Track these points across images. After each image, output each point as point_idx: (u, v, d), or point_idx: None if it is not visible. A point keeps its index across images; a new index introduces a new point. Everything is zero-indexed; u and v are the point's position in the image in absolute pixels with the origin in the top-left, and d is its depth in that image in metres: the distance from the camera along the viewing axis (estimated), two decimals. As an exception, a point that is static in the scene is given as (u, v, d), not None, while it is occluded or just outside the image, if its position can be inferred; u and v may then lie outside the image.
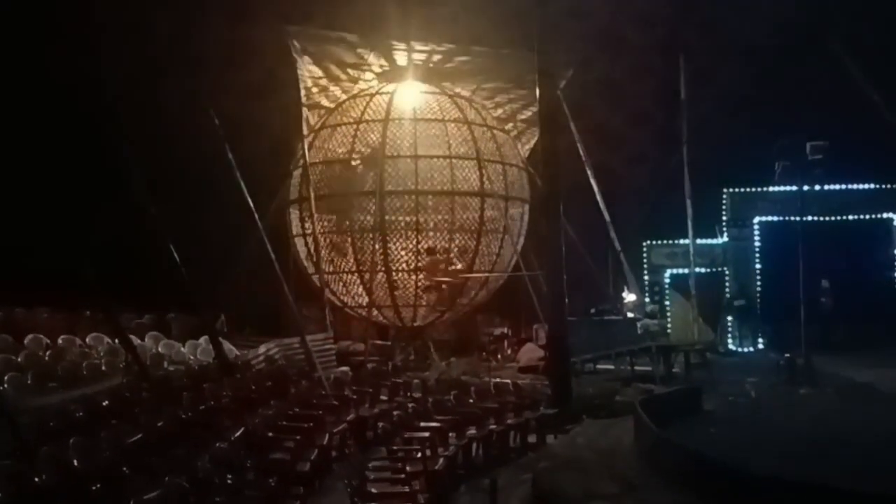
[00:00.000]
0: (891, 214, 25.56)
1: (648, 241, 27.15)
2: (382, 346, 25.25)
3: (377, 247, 24.16)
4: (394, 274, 24.47)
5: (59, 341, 20.00)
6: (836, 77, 23.60)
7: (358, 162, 24.54)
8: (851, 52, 23.68)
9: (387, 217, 24.31)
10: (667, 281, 26.57)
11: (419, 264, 24.33)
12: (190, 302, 20.10)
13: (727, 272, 26.17)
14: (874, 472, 10.31)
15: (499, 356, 24.36)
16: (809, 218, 21.56)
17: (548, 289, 19.18)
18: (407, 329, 25.65)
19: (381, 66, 25.23)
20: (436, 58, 24.82)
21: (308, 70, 24.57)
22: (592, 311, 23.78)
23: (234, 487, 10.42)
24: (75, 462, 10.52)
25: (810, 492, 8.87)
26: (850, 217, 25.26)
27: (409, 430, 13.85)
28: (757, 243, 25.68)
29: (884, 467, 10.58)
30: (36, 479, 9.84)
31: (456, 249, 24.82)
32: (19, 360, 18.29)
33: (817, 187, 23.79)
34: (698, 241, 25.60)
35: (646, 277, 26.97)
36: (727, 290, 25.98)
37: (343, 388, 17.92)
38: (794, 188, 22.11)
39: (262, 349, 21.55)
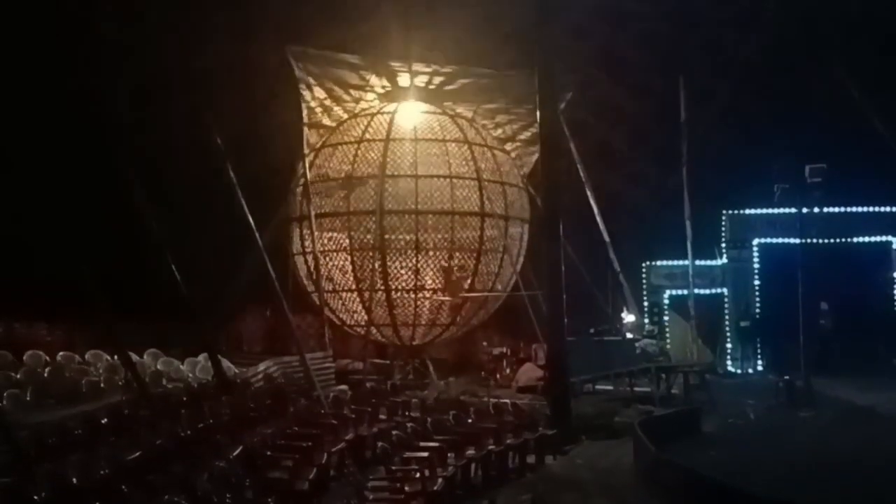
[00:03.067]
0: (890, 237, 25.60)
1: (648, 262, 27.13)
2: (381, 365, 25.22)
3: (376, 265, 24.19)
4: (393, 293, 24.49)
5: (58, 358, 20.00)
6: (837, 99, 23.71)
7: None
8: (851, 74, 23.79)
9: (386, 236, 24.35)
10: (666, 302, 26.58)
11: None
12: (189, 319, 20.10)
13: (726, 293, 26.19)
14: (873, 496, 10.31)
15: (498, 376, 24.30)
16: (809, 240, 21.60)
17: (547, 308, 19.17)
18: (406, 348, 25.62)
19: (384, 87, 25.36)
20: (437, 79, 24.96)
21: (310, 90, 24.70)
22: (591, 331, 23.75)
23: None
24: (74, 479, 10.51)
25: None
26: (850, 239, 25.30)
27: (408, 450, 13.81)
28: (756, 265, 25.71)
29: (882, 491, 10.57)
30: (35, 496, 9.82)
31: (455, 268, 24.84)
32: (18, 376, 18.30)
33: (816, 210, 23.84)
34: (697, 262, 25.59)
35: (645, 298, 26.93)
36: (726, 311, 25.99)
37: (342, 406, 17.87)
38: (794, 210, 22.18)
39: (261, 367, 21.51)
